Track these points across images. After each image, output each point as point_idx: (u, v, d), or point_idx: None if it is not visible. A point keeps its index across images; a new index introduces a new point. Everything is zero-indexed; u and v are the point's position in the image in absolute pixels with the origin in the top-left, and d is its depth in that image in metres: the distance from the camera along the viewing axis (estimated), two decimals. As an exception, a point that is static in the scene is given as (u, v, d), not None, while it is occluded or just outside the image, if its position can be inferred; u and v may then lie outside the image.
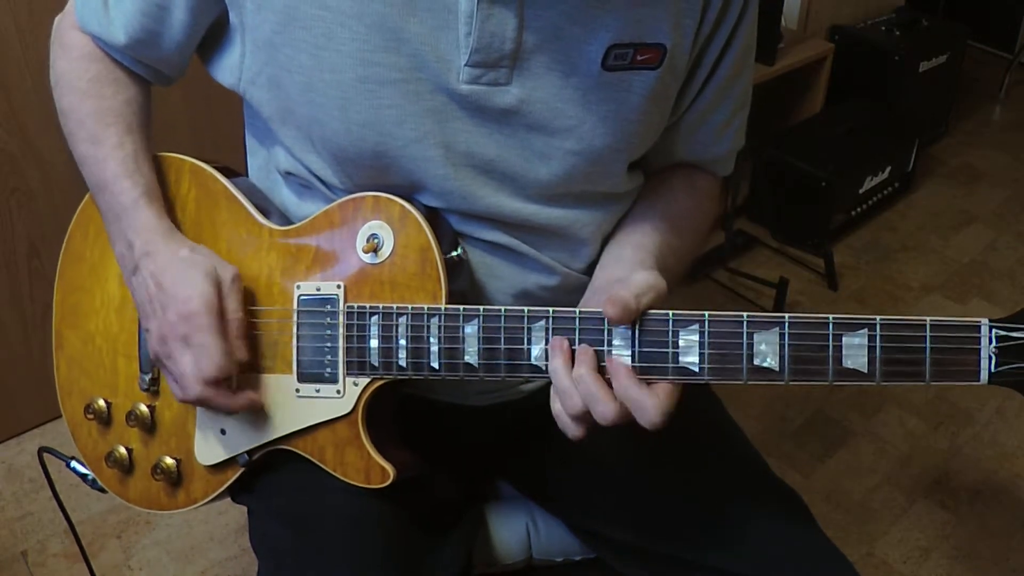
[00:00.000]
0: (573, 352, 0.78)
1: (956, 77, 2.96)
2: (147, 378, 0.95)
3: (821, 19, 2.74)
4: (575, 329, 0.78)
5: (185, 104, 1.78)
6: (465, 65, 0.81)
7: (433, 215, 0.87)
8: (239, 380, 0.88)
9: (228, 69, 0.90)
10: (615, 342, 0.77)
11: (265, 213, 0.92)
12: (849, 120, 2.64)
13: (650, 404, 0.74)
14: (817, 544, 0.94)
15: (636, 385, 0.75)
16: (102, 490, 1.01)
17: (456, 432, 1.02)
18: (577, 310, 0.78)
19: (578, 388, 0.76)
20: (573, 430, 0.78)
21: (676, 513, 0.96)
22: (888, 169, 2.64)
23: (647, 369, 0.77)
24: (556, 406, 0.79)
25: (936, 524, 1.82)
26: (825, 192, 2.45)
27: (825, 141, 2.55)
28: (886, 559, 1.75)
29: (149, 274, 0.86)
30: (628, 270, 0.84)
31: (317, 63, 0.82)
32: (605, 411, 0.75)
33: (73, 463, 1.02)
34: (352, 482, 0.88)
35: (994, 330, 0.71)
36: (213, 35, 0.91)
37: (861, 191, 2.58)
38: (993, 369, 0.71)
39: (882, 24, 2.81)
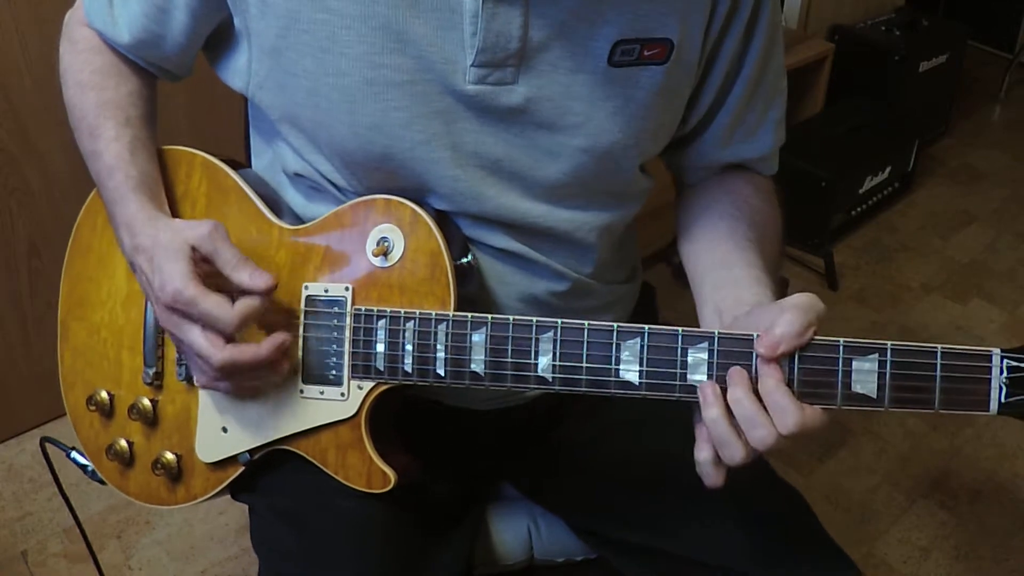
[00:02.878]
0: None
1: (956, 77, 2.96)
2: (151, 372, 0.95)
3: (821, 19, 2.74)
4: (583, 342, 0.78)
5: (188, 102, 1.78)
6: (471, 65, 0.81)
7: (444, 221, 0.87)
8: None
9: (236, 73, 0.90)
10: (623, 357, 0.77)
11: (274, 210, 0.92)
12: (849, 120, 2.64)
13: (791, 410, 0.70)
14: (820, 543, 0.94)
15: (784, 391, 0.71)
16: (102, 482, 1.00)
17: (459, 435, 1.02)
18: (586, 323, 0.78)
19: (736, 412, 0.72)
20: (715, 477, 0.76)
21: (677, 513, 0.96)
22: (888, 169, 2.64)
23: (653, 386, 0.76)
24: (703, 455, 0.75)
25: (936, 524, 1.82)
26: (825, 192, 2.45)
27: (825, 141, 2.56)
28: (886, 559, 1.75)
29: (140, 268, 0.85)
30: (753, 292, 0.82)
31: (321, 67, 0.82)
32: (765, 435, 0.71)
33: (73, 453, 1.02)
34: (353, 485, 0.88)
35: (1005, 360, 0.70)
36: (220, 39, 0.91)
37: (861, 191, 2.58)
38: (1003, 400, 0.70)
39: (882, 24, 2.82)
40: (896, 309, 2.36)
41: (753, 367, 0.73)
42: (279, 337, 0.83)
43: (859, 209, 2.62)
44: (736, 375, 0.73)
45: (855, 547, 1.76)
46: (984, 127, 3.19)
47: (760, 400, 0.72)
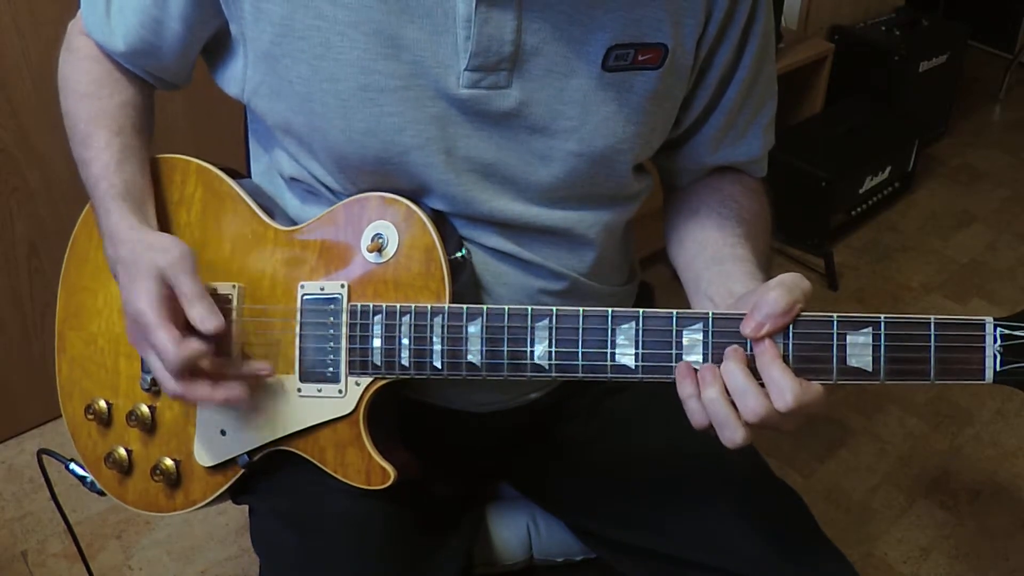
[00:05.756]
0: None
1: (956, 77, 2.96)
2: (148, 378, 0.95)
3: (821, 19, 2.74)
4: (578, 328, 0.78)
5: (187, 107, 1.78)
6: (465, 70, 0.81)
7: (438, 217, 0.87)
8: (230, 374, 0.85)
9: (232, 80, 0.90)
10: (619, 341, 0.77)
11: (270, 214, 0.92)
12: (849, 120, 2.64)
13: (788, 385, 0.70)
14: (817, 544, 0.94)
15: (779, 366, 0.72)
16: (101, 493, 1.00)
17: (458, 437, 1.02)
18: (580, 309, 0.78)
19: (728, 382, 0.72)
20: (700, 415, 0.74)
21: (676, 513, 0.96)
22: (888, 169, 2.64)
23: (650, 369, 0.76)
24: (687, 390, 0.74)
25: (936, 524, 1.82)
26: (825, 192, 2.45)
27: (825, 141, 2.55)
28: (886, 559, 1.75)
29: (119, 279, 0.86)
30: (743, 284, 0.82)
31: (316, 73, 0.82)
32: (756, 406, 0.71)
33: (72, 465, 1.02)
34: (352, 483, 0.88)
35: (999, 328, 0.70)
36: (218, 46, 0.91)
37: (861, 191, 2.58)
38: (998, 368, 0.71)
39: (882, 24, 2.81)
40: (896, 309, 2.36)
41: (748, 345, 0.74)
42: (234, 390, 0.83)
43: (859, 209, 2.62)
44: (732, 352, 0.73)
45: (855, 547, 1.76)
46: (984, 127, 3.18)
47: (756, 377, 0.72)
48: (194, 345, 0.80)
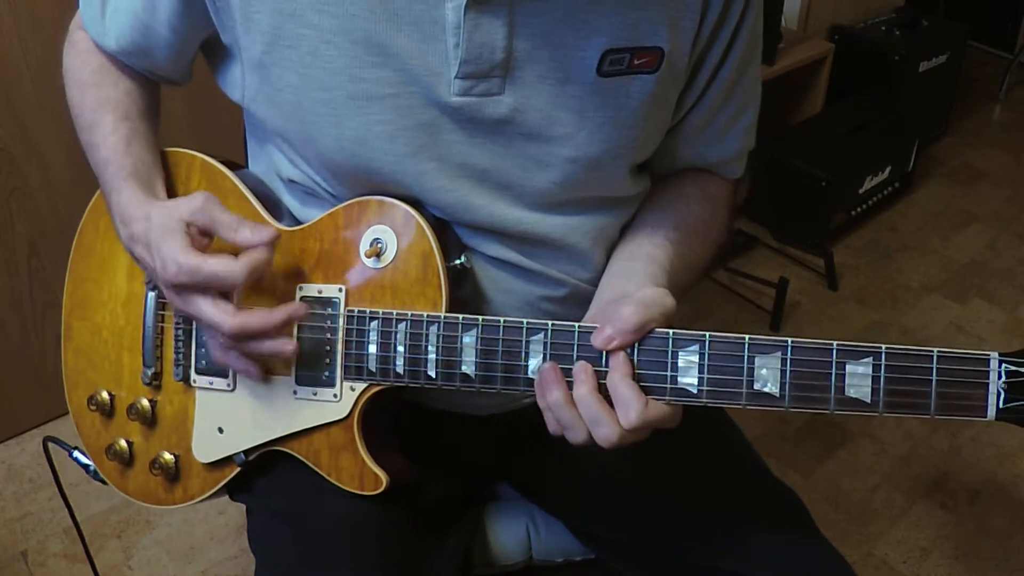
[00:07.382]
0: (566, 372, 0.78)
1: (956, 77, 2.96)
2: (149, 372, 0.95)
3: (821, 19, 2.74)
4: (574, 344, 0.77)
5: (187, 107, 1.78)
6: (456, 77, 0.80)
7: (439, 224, 0.87)
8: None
9: (233, 86, 0.90)
10: (612, 359, 0.77)
11: (273, 208, 0.92)
12: (849, 120, 2.64)
13: (634, 405, 0.74)
14: (816, 545, 0.94)
15: (629, 384, 0.75)
16: (103, 481, 1.02)
17: (457, 437, 1.02)
18: (576, 324, 0.78)
19: (581, 410, 0.76)
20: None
21: (676, 514, 0.96)
22: (888, 169, 2.64)
23: (645, 389, 0.76)
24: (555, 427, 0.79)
25: (936, 524, 1.82)
26: (825, 192, 2.45)
27: (825, 141, 2.55)
28: (886, 559, 1.75)
29: (140, 257, 0.86)
30: (638, 285, 0.83)
31: (305, 82, 0.82)
32: (609, 434, 0.75)
33: (76, 453, 1.03)
34: (345, 487, 0.88)
35: (1004, 364, 0.68)
36: (219, 52, 0.91)
37: (861, 191, 2.58)
38: (1001, 405, 0.68)
39: (882, 24, 2.81)
40: (896, 309, 2.36)
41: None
42: (292, 305, 0.82)
43: (859, 209, 2.62)
44: (582, 372, 0.76)
45: (855, 547, 1.76)
46: (984, 127, 3.18)
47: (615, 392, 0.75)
48: (255, 254, 0.79)
